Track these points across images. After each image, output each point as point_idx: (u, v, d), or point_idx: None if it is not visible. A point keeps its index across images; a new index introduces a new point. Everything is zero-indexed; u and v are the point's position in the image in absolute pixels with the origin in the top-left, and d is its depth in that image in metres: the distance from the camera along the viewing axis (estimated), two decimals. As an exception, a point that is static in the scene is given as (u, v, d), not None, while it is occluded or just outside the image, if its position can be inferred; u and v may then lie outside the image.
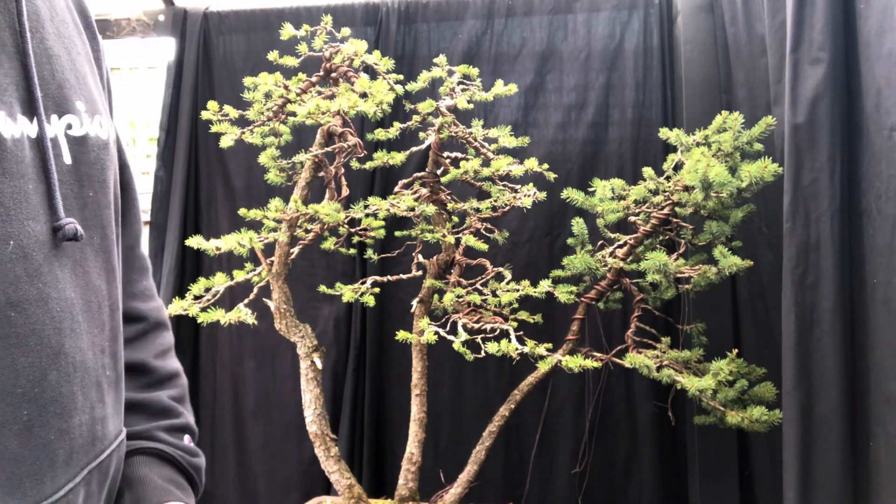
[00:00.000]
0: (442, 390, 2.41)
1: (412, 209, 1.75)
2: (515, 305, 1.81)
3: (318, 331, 2.50)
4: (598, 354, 1.89)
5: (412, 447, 1.94)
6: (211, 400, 2.60)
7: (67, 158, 0.69)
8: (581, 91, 2.48)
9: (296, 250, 2.00)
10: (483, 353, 1.61)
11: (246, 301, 1.90)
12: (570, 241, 1.97)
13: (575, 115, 2.48)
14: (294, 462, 2.52)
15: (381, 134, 1.94)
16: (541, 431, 2.29)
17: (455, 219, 2.01)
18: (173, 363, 0.90)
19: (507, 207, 1.83)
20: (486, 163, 1.97)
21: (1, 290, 0.58)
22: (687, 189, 1.73)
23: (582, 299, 1.94)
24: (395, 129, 1.95)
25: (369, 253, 2.19)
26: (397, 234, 2.18)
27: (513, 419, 2.07)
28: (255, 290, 1.96)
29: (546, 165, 1.90)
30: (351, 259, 2.46)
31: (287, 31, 1.86)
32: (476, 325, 1.70)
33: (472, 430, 2.32)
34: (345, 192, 2.03)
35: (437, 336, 1.63)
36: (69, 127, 0.70)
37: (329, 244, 2.14)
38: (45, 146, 0.65)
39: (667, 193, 1.80)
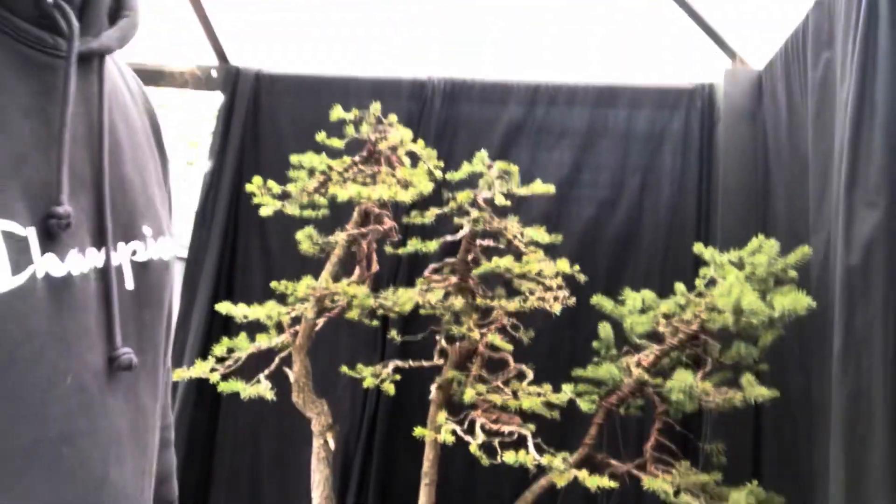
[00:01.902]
0: (453, 474, 2.37)
1: (441, 300, 1.76)
2: (535, 408, 1.79)
3: (336, 396, 2.48)
4: (616, 463, 1.86)
5: (417, 538, 1.91)
6: (228, 459, 2.58)
7: (130, 284, 0.71)
8: (617, 188, 2.50)
9: (321, 321, 2.02)
10: (499, 460, 1.59)
11: (266, 372, 1.90)
12: (595, 344, 1.96)
13: (607, 212, 2.49)
14: None
15: (417, 218, 1.96)
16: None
17: (484, 301, 2.01)
18: (171, 492, 0.91)
19: (537, 307, 1.83)
20: (518, 257, 1.97)
21: (56, 425, 0.59)
22: (717, 310, 1.72)
23: (603, 404, 1.92)
24: (431, 214, 1.98)
25: (393, 333, 2.19)
26: (422, 312, 2.18)
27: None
28: (277, 361, 1.96)
29: (577, 267, 1.90)
30: (373, 330, 2.47)
31: (337, 112, 1.90)
32: (494, 426, 1.68)
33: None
34: (374, 267, 2.05)
35: (453, 437, 1.62)
36: (134, 253, 0.72)
37: (354, 314, 2.14)
38: (109, 276, 0.67)
39: (697, 312, 1.79)
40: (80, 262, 0.63)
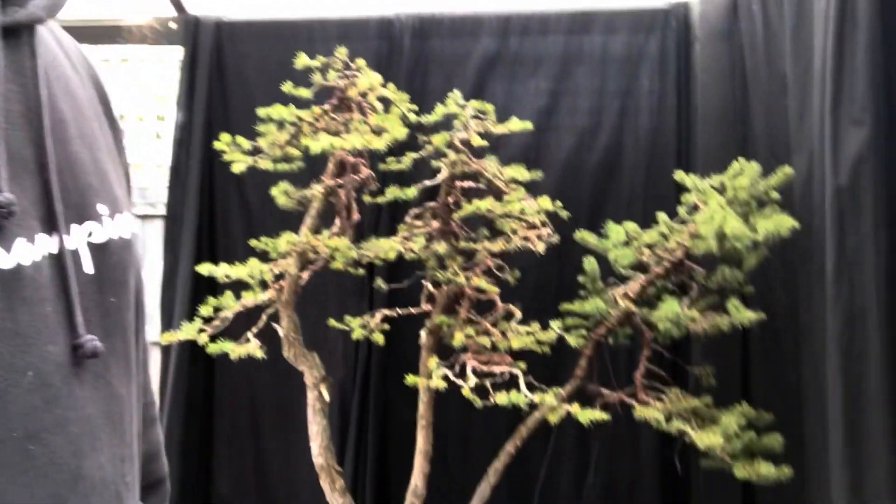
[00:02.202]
0: (449, 414, 2.40)
1: (424, 246, 1.74)
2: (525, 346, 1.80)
3: (328, 346, 2.49)
4: (607, 392, 1.89)
5: (416, 479, 1.95)
6: (228, 407, 2.61)
7: (89, 268, 0.68)
8: (595, 116, 2.46)
9: (305, 275, 2.00)
10: (492, 401, 1.61)
11: (255, 330, 1.90)
12: (581, 278, 1.97)
13: (587, 142, 2.45)
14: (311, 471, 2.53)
15: (394, 165, 1.93)
16: (546, 466, 2.29)
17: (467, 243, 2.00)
18: (160, 469, 0.90)
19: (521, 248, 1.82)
20: (499, 196, 1.95)
21: (19, 424, 0.58)
22: (700, 237, 1.72)
23: (591, 336, 1.94)
24: (408, 160, 1.94)
25: (378, 282, 2.18)
26: (407, 257, 2.17)
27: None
28: (264, 318, 1.96)
29: (559, 203, 1.88)
30: (360, 279, 2.45)
31: (302, 60, 1.84)
32: (485, 368, 1.70)
33: (480, 454, 2.31)
34: (355, 217, 2.02)
35: (445, 381, 1.63)
36: (90, 234, 0.69)
37: (339, 264, 2.13)
38: (64, 262, 0.64)
39: (680, 239, 1.79)
40: (31, 250, 0.60)
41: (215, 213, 2.59)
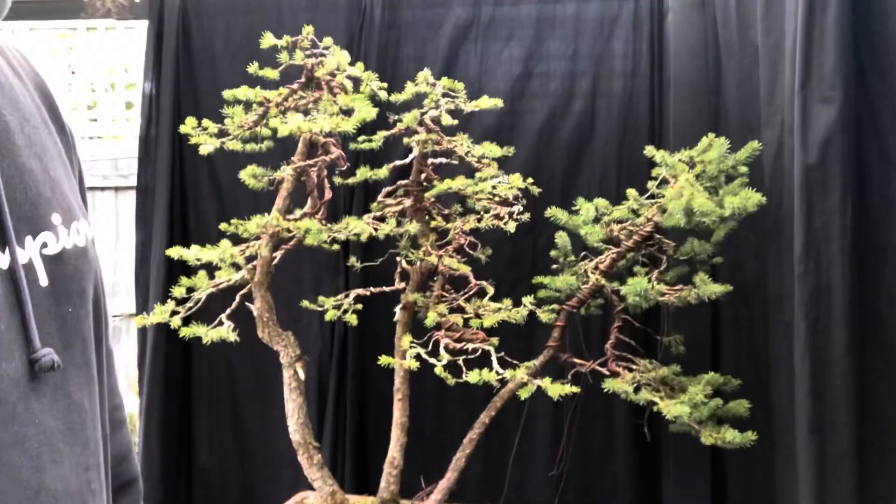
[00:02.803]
0: (426, 385, 2.44)
1: (395, 227, 1.75)
2: (497, 323, 1.82)
3: (304, 323, 2.51)
4: (579, 363, 1.93)
5: (394, 451, 1.99)
6: (207, 380, 2.63)
7: (44, 280, 0.67)
8: (568, 87, 2.45)
9: (278, 255, 2.00)
10: (464, 378, 1.63)
11: (228, 311, 1.91)
12: (553, 253, 1.98)
13: (561, 111, 2.45)
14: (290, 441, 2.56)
15: (364, 144, 1.92)
16: (520, 434, 2.34)
17: (439, 221, 2.01)
18: (131, 470, 0.91)
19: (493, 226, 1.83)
20: (471, 174, 1.95)
21: None
22: (669, 212, 1.74)
23: (563, 307, 1.97)
24: (378, 138, 1.93)
25: (352, 261, 2.19)
26: (380, 234, 2.17)
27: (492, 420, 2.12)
28: (238, 299, 1.96)
29: (531, 180, 1.89)
30: (335, 255, 2.46)
31: (268, 39, 1.81)
32: (458, 345, 1.72)
33: (456, 425, 2.36)
34: (327, 195, 2.02)
35: (418, 361, 1.65)
36: (44, 246, 0.68)
37: (312, 240, 2.13)
38: (17, 276, 0.63)
39: (650, 214, 1.81)
40: None
41: (186, 190, 2.56)
